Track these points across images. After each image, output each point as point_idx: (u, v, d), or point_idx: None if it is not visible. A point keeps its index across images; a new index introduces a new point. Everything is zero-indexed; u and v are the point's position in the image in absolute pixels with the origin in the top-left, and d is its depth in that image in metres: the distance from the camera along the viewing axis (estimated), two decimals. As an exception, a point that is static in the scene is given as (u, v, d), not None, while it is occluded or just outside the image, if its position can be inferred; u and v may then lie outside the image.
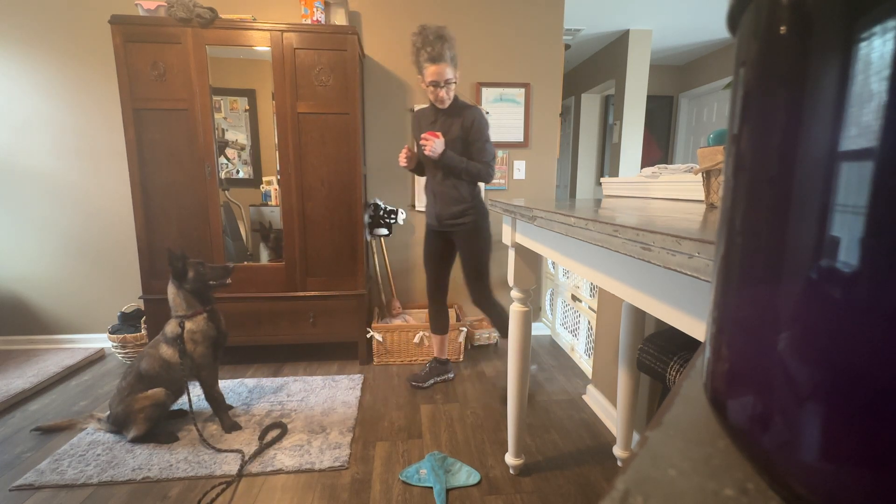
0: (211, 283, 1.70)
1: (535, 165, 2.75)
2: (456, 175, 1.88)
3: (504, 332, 2.05)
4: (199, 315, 1.67)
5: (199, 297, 1.69)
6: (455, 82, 1.81)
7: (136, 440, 1.63)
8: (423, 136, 1.81)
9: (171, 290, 1.66)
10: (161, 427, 1.70)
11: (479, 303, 2.02)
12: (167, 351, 1.63)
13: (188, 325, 1.64)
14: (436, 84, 1.77)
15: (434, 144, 1.78)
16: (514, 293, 1.40)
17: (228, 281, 1.74)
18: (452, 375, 2.23)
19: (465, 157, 1.86)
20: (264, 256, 2.39)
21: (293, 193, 2.22)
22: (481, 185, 1.92)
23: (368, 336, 2.37)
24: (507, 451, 1.60)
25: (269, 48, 2.10)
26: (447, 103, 1.84)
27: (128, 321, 2.44)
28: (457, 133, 1.84)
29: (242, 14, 2.24)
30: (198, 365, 1.66)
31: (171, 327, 1.65)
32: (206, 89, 2.10)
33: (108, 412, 1.65)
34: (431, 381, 2.15)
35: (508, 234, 1.35)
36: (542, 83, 2.67)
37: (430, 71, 1.75)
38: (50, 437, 1.70)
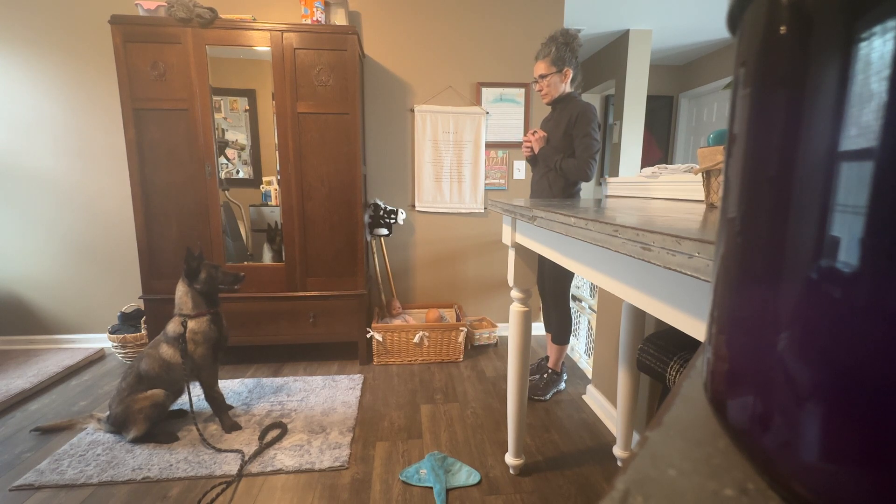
0: (220, 286, 1.71)
1: (535, 165, 2.75)
2: (556, 172, 1.89)
3: (557, 340, 2.07)
4: (203, 316, 1.67)
5: (207, 299, 1.69)
6: (555, 78, 1.84)
7: (136, 440, 1.62)
8: (525, 136, 1.96)
9: (181, 289, 1.67)
10: (161, 427, 1.70)
11: (552, 308, 2.03)
12: (167, 351, 1.63)
13: (191, 324, 1.64)
14: (535, 80, 1.91)
15: (532, 142, 1.93)
16: (514, 293, 1.40)
17: (236, 287, 1.76)
18: (564, 387, 2.16)
19: (569, 152, 1.86)
20: (267, 257, 2.38)
21: (293, 193, 2.22)
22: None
23: (368, 336, 2.37)
24: (507, 451, 1.60)
25: (269, 48, 2.10)
26: (546, 98, 1.91)
27: (128, 321, 2.44)
28: (563, 128, 1.85)
29: (242, 14, 2.24)
30: (198, 366, 1.66)
31: (173, 326, 1.65)
32: (206, 89, 2.10)
33: (108, 412, 1.65)
34: (552, 393, 2.08)
35: (508, 234, 1.35)
36: (542, 83, 2.67)
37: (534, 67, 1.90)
38: (50, 437, 1.70)
